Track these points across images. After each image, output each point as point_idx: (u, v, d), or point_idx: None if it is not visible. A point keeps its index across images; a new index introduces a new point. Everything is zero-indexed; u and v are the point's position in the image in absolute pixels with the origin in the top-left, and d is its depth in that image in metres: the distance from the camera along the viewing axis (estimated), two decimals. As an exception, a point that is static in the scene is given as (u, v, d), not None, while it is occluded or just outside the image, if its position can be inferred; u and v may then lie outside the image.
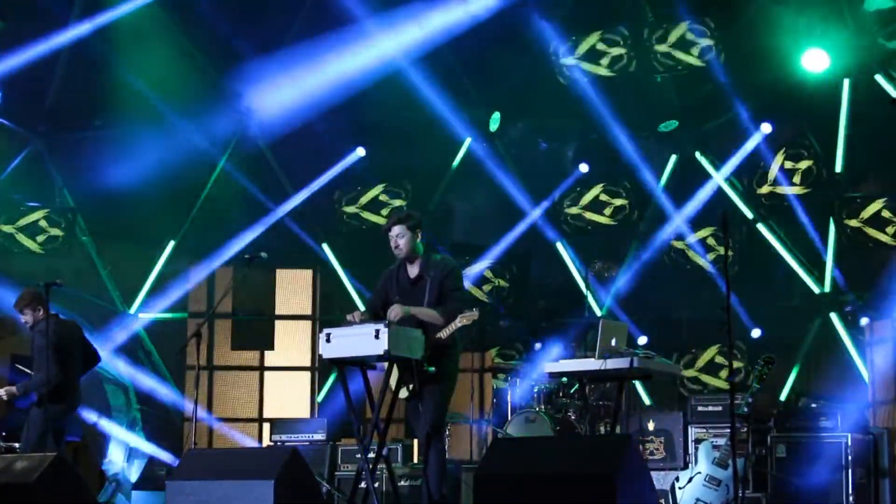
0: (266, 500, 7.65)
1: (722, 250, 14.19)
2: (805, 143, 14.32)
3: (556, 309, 15.10)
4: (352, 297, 15.13)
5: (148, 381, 14.98)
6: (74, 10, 14.41)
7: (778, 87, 14.18)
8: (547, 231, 15.35)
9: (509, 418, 11.75)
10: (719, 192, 14.70)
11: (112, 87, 14.53)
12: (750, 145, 14.40)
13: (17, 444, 10.43)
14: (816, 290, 14.22)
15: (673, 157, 15.14)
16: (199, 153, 14.88)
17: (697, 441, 10.89)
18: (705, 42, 14.16)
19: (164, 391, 14.90)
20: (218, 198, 15.38)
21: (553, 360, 9.90)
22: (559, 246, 15.33)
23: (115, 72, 14.47)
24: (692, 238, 14.68)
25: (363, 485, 8.63)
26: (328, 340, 8.33)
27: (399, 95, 14.64)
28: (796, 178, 14.29)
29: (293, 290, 14.69)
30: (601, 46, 14.66)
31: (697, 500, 9.77)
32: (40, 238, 14.88)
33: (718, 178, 14.69)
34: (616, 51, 14.61)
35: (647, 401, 14.07)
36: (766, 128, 14.32)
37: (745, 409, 9.62)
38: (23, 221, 14.86)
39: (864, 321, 13.54)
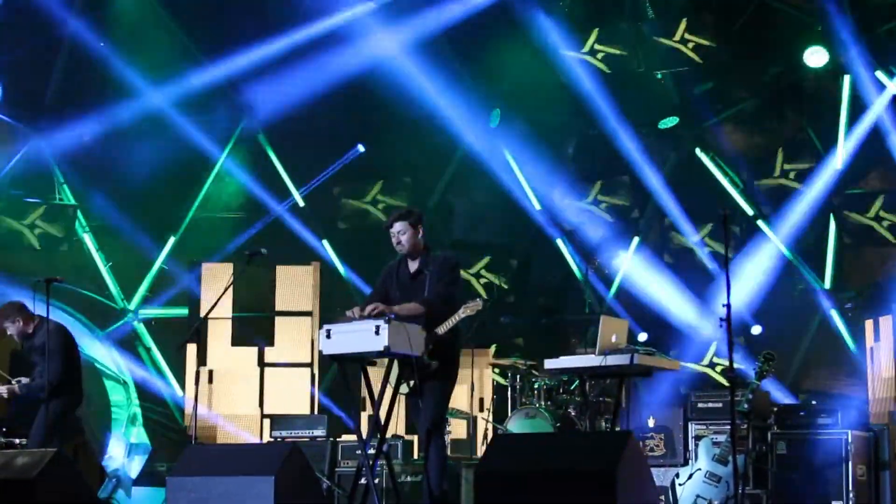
0: (266, 496, 7.65)
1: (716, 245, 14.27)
2: (805, 139, 14.32)
3: (556, 306, 15.10)
4: (352, 293, 15.13)
5: (148, 377, 14.99)
6: (74, 5, 14.40)
7: (778, 83, 14.17)
8: (547, 228, 15.35)
9: (509, 415, 11.74)
10: (719, 189, 14.70)
11: (112, 82, 14.52)
12: (750, 142, 14.40)
13: (16, 440, 10.43)
14: (817, 286, 14.22)
15: (673, 154, 15.13)
16: (199, 149, 14.87)
17: (697, 438, 10.88)
18: (706, 38, 14.15)
19: (163, 387, 14.91)
20: (218, 194, 15.38)
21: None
22: (559, 243, 15.33)
23: (115, 67, 14.45)
24: (695, 237, 14.68)
25: (363, 481, 8.63)
26: (328, 337, 8.32)
27: (399, 92, 14.63)
28: (796, 175, 14.29)
29: (293, 286, 14.67)
30: (602, 42, 14.67)
31: (698, 496, 9.77)
32: (40, 234, 14.87)
33: (718, 174, 14.69)
34: (617, 47, 14.61)
35: (647, 397, 14.06)
36: (768, 124, 14.33)
37: (746, 406, 9.62)
38: (23, 217, 14.86)
39: (863, 318, 13.56)
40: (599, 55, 14.66)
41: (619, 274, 15.00)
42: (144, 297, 15.20)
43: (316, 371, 14.06)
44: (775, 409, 11.10)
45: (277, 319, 14.60)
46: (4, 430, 10.42)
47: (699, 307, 14.31)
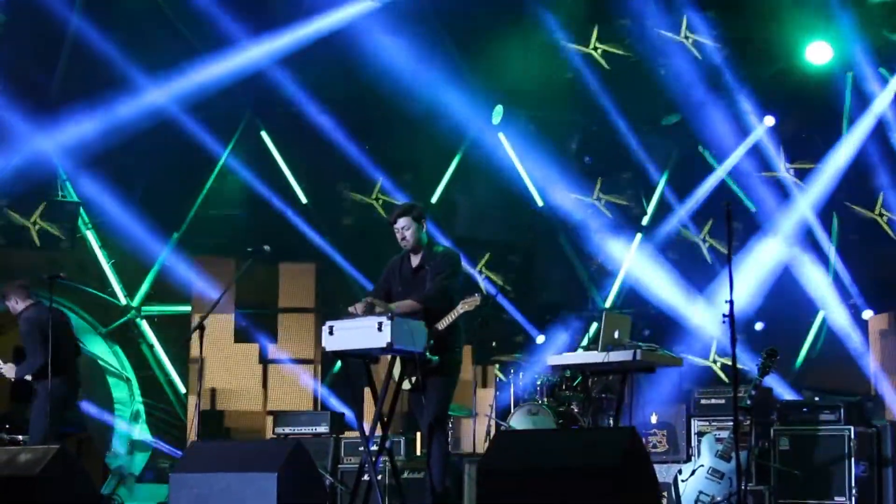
0: (269, 492, 7.65)
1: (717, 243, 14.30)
2: (808, 135, 14.32)
3: (559, 302, 15.09)
4: (354, 289, 15.12)
5: (151, 374, 15.00)
6: (76, 3, 14.40)
7: (781, 79, 14.16)
8: (550, 224, 15.34)
9: (512, 411, 11.74)
10: (721, 185, 14.70)
11: (115, 79, 14.51)
12: (753, 138, 14.39)
13: (19, 437, 10.44)
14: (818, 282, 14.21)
15: (675, 151, 15.13)
16: (201, 146, 14.87)
17: (700, 434, 10.86)
18: (708, 35, 14.14)
19: (166, 384, 14.92)
20: (221, 190, 15.39)
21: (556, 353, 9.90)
22: (562, 239, 15.32)
23: (119, 63, 14.45)
24: (699, 236, 14.68)
25: (366, 477, 8.63)
26: (331, 333, 8.32)
27: (402, 89, 14.63)
28: (799, 170, 14.29)
29: (296, 283, 14.69)
30: (604, 39, 14.65)
31: (700, 492, 9.77)
32: (42, 231, 14.87)
33: (721, 171, 14.68)
34: (619, 43, 14.60)
35: (649, 394, 14.06)
36: (770, 120, 14.31)
37: (748, 402, 9.61)
38: (26, 214, 14.86)
39: (867, 314, 13.55)
40: (602, 51, 14.64)
41: (621, 270, 15.00)
42: (147, 294, 15.20)
43: (319, 367, 14.08)
44: (778, 405, 11.10)
45: (280, 316, 14.64)
46: (7, 426, 10.43)
47: (702, 303, 14.30)
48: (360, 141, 15.35)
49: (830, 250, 14.15)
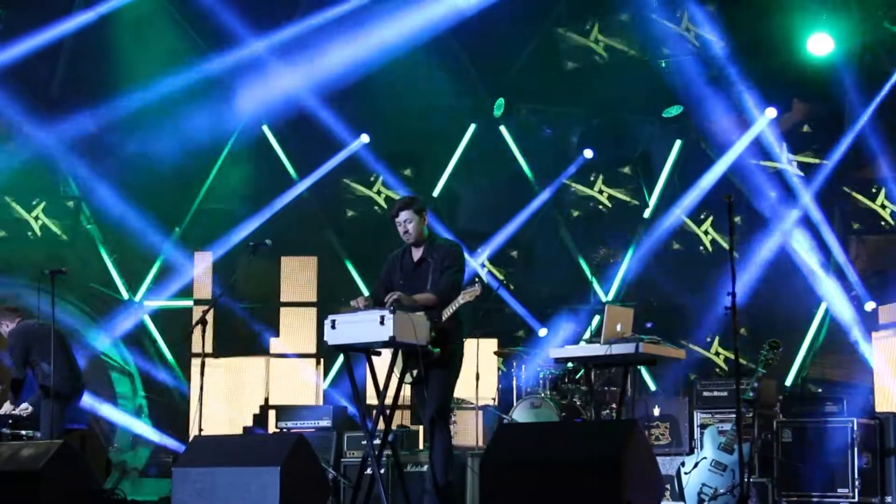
0: (272, 486, 7.65)
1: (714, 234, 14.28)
2: (809, 127, 14.29)
3: (561, 295, 15.09)
4: (356, 283, 15.13)
5: (153, 369, 15.01)
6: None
7: (783, 71, 14.14)
8: (552, 217, 15.33)
9: (514, 404, 11.74)
10: (723, 178, 14.67)
11: (116, 75, 14.51)
12: (755, 130, 14.37)
13: (23, 432, 10.46)
14: (820, 274, 14.20)
15: (678, 143, 15.11)
16: (203, 140, 14.86)
17: (703, 426, 10.87)
18: (709, 27, 14.12)
19: (169, 378, 14.93)
20: (222, 185, 15.38)
21: (558, 346, 9.90)
22: (564, 231, 15.31)
23: (119, 60, 14.45)
24: (702, 229, 14.67)
25: (369, 471, 8.63)
26: (333, 327, 8.32)
27: (403, 82, 14.61)
28: (801, 162, 14.27)
29: (298, 277, 14.69)
30: (606, 31, 14.63)
31: (703, 485, 9.77)
32: (44, 226, 14.88)
33: (722, 163, 14.66)
34: (620, 36, 14.58)
35: (652, 386, 14.06)
36: (771, 112, 14.29)
37: (751, 394, 9.61)
38: (28, 209, 14.87)
39: (869, 305, 13.54)
40: (603, 44, 14.62)
41: (624, 262, 14.99)
42: (149, 288, 15.20)
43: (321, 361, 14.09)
44: (781, 397, 11.10)
45: (282, 310, 14.64)
46: (10, 422, 10.46)
47: (705, 295, 14.28)
48: (362, 133, 15.33)
49: (832, 241, 14.13)
